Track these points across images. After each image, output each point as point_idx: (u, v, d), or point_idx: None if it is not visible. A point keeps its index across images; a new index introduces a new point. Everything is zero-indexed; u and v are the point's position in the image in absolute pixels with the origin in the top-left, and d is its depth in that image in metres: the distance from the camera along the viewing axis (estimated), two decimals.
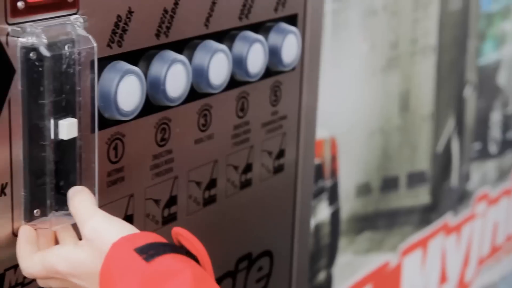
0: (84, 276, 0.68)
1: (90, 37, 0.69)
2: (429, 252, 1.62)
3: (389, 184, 1.52)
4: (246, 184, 0.92)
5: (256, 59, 0.87)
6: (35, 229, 0.70)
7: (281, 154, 0.96)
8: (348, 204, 1.39)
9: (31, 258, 0.70)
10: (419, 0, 1.48)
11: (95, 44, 0.69)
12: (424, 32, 1.51)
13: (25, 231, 0.70)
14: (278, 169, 0.97)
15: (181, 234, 0.67)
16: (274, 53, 0.90)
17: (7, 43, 0.65)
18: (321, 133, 1.20)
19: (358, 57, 1.32)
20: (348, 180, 1.38)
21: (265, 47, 0.87)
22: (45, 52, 0.66)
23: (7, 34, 0.65)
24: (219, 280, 0.91)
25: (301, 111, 0.98)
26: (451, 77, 1.61)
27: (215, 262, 0.68)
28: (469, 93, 1.67)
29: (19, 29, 0.65)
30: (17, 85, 0.66)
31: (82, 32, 0.69)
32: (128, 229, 0.68)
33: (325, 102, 1.17)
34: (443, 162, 1.65)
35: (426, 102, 1.56)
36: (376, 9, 1.38)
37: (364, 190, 1.45)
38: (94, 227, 0.68)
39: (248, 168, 0.92)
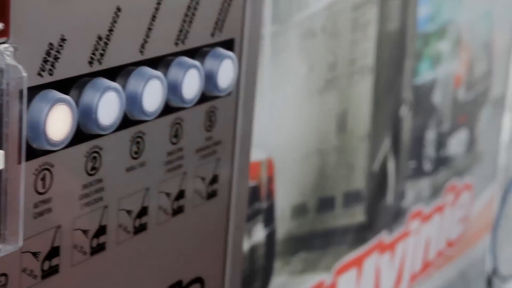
0: None
1: (19, 66, 0.67)
2: (364, 270, 1.63)
3: (325, 204, 1.52)
4: (178, 211, 0.91)
5: (191, 85, 0.85)
6: None
7: (214, 179, 0.95)
8: (284, 225, 1.38)
9: None
10: (358, 21, 1.48)
11: (24, 74, 0.67)
12: (363, 53, 1.51)
13: None
14: (211, 195, 0.95)
15: None
16: (210, 79, 0.88)
17: None
18: (258, 154, 1.19)
19: (297, 79, 1.31)
20: (284, 201, 1.37)
21: (201, 72, 0.86)
22: None
23: None
24: None
25: (236, 135, 0.97)
26: (387, 97, 1.61)
27: None
28: (405, 113, 1.68)
29: None
30: None
31: (11, 61, 0.67)
32: None
33: (263, 124, 1.16)
34: (378, 180, 1.66)
35: (363, 123, 1.56)
36: (315, 31, 1.38)
37: (300, 210, 1.44)
38: None
39: (180, 194, 0.91)
